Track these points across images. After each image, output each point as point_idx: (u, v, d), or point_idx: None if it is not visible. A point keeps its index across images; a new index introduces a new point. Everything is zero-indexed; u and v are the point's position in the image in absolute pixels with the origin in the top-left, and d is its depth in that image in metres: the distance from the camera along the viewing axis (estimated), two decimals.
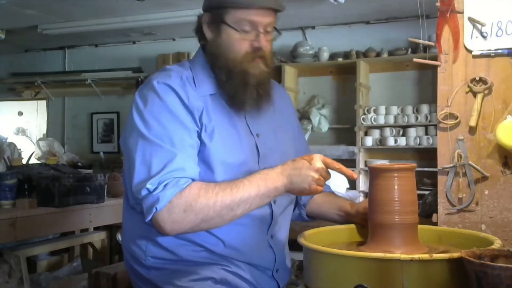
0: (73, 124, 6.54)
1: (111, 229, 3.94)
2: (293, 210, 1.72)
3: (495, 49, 1.61)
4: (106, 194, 3.75)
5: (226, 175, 1.41)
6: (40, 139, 5.81)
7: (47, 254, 3.78)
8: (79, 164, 5.37)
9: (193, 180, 1.35)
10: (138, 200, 1.35)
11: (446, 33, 1.67)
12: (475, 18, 1.61)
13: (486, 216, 1.62)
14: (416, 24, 1.75)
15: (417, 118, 4.62)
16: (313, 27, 5.39)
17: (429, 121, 4.56)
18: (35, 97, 6.74)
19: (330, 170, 1.38)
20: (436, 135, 2.07)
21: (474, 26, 1.62)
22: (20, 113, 7.32)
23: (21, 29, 5.50)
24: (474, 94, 1.63)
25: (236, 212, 1.34)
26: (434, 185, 1.81)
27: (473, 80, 1.63)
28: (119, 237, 3.67)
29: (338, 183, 4.20)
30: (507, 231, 1.59)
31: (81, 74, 6.17)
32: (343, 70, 5.12)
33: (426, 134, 4.61)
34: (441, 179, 1.67)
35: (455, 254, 1.14)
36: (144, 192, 1.32)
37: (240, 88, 1.45)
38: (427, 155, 4.56)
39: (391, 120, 4.72)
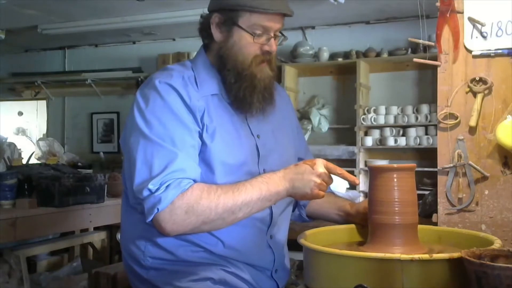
0: (73, 124, 6.53)
1: (111, 229, 3.94)
2: (293, 211, 1.73)
3: (495, 49, 1.61)
4: (106, 194, 3.75)
5: (226, 176, 1.41)
6: (40, 139, 5.80)
7: (47, 254, 3.79)
8: (79, 164, 5.37)
9: (195, 181, 1.35)
10: (139, 200, 1.34)
11: (446, 33, 1.67)
12: (475, 18, 1.61)
13: (486, 216, 1.62)
14: (416, 24, 1.75)
15: (417, 118, 4.62)
16: (313, 27, 5.38)
17: (429, 121, 4.56)
18: (35, 97, 6.73)
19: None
20: (436, 135, 2.07)
21: (474, 26, 1.62)
22: (20, 113, 7.32)
23: (21, 29, 5.50)
24: (474, 94, 1.63)
25: (237, 215, 1.35)
26: (434, 185, 1.81)
27: (473, 80, 1.63)
28: (119, 237, 3.66)
29: (338, 183, 4.21)
30: (507, 231, 1.59)
31: (81, 74, 6.17)
32: (343, 70, 5.11)
33: (426, 134, 4.61)
34: (441, 179, 1.67)
35: (455, 254, 1.14)
36: (145, 193, 1.31)
37: (248, 91, 1.46)
38: (427, 155, 4.56)
39: (391, 120, 4.72)
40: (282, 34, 1.51)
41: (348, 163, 4.73)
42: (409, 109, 4.67)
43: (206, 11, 1.53)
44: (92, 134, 6.39)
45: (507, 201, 1.59)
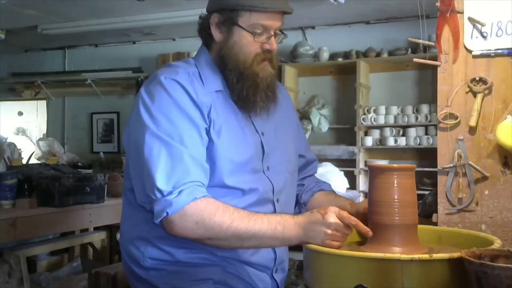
0: (73, 124, 6.53)
1: (111, 229, 3.94)
2: (293, 209, 1.73)
3: (495, 49, 1.61)
4: (106, 194, 3.75)
5: (232, 173, 1.41)
6: (40, 139, 5.81)
7: (47, 254, 3.79)
8: (79, 164, 5.37)
9: (203, 184, 1.34)
10: (150, 199, 1.33)
11: (446, 33, 1.67)
12: (475, 18, 1.61)
13: (486, 216, 1.62)
14: (416, 24, 1.76)
15: (417, 118, 4.62)
16: (313, 27, 5.38)
17: (429, 121, 4.56)
18: (35, 97, 6.73)
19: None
20: (436, 135, 2.07)
21: (474, 26, 1.62)
22: (20, 113, 7.32)
23: (21, 29, 5.50)
24: (474, 94, 1.63)
25: (244, 243, 1.34)
26: (434, 185, 1.81)
27: (473, 80, 1.63)
28: (119, 237, 3.66)
29: (338, 183, 4.20)
30: (507, 231, 1.59)
31: (81, 74, 6.16)
32: (343, 70, 5.11)
33: (426, 134, 4.61)
34: (441, 179, 1.67)
35: (455, 254, 1.14)
36: (157, 194, 1.30)
37: (251, 90, 1.45)
38: (427, 155, 4.55)
39: (391, 120, 4.72)
40: (282, 32, 1.51)
41: (348, 163, 4.72)
42: (409, 109, 4.67)
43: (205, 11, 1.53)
44: (92, 134, 6.39)
45: (507, 201, 1.59)
